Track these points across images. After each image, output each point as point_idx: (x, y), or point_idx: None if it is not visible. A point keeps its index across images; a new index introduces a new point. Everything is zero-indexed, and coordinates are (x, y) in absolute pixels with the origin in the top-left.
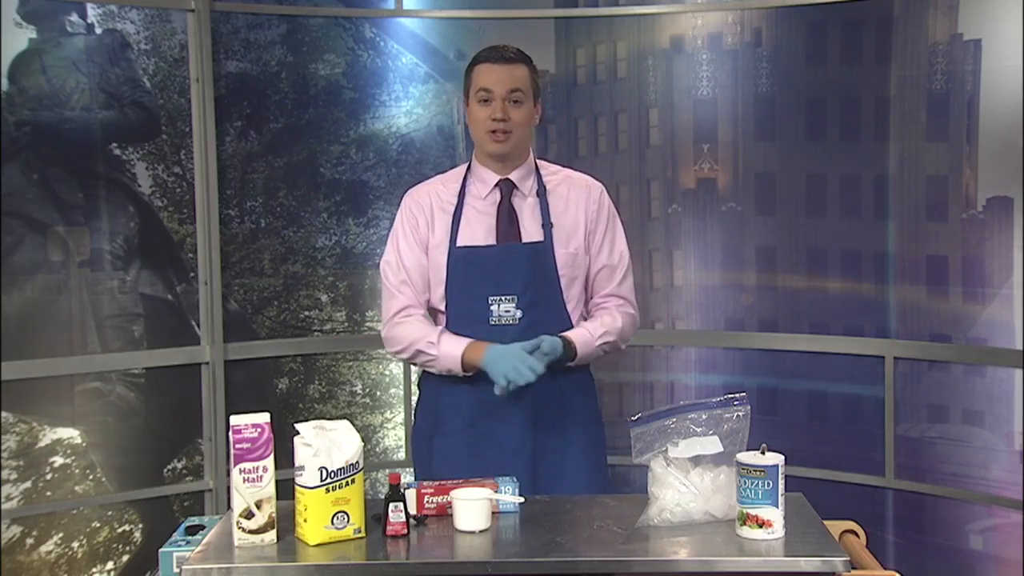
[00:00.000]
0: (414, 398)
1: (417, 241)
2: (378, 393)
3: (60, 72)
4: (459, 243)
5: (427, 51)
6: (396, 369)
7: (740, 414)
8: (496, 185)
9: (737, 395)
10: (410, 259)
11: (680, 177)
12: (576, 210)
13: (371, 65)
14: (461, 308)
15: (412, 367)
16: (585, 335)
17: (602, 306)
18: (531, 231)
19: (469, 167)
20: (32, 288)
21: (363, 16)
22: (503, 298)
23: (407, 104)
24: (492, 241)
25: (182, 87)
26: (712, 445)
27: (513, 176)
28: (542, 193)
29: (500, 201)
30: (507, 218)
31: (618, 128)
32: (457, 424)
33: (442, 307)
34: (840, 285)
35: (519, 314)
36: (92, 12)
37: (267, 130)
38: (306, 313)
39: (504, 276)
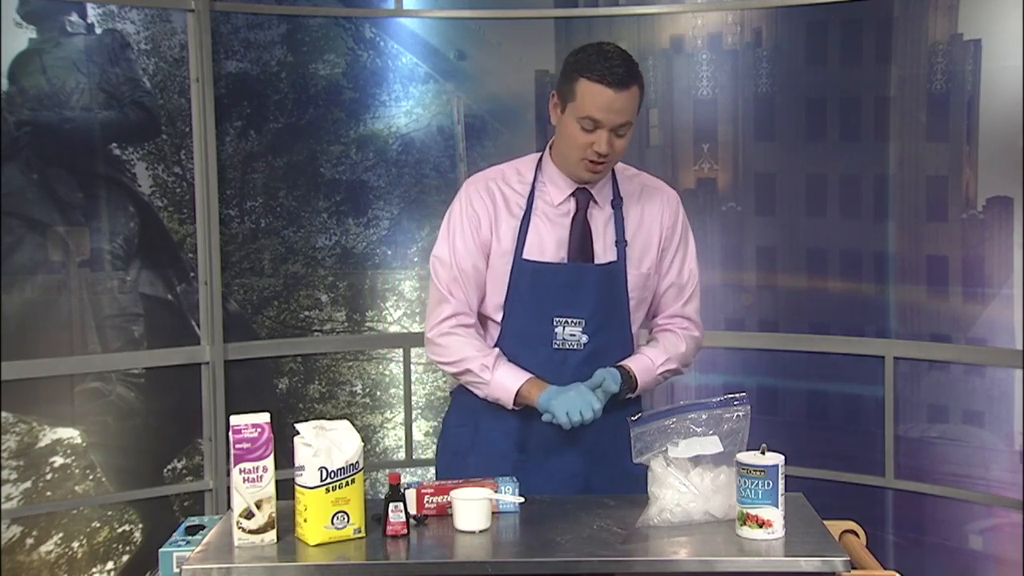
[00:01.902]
0: (415, 398)
1: (477, 243)
2: (378, 393)
3: (60, 72)
4: (526, 255)
5: (427, 51)
6: (396, 369)
7: (740, 414)
8: (572, 194)
9: (737, 395)
10: (466, 260)
11: (680, 177)
12: (651, 225)
13: (371, 65)
14: (522, 326)
15: (411, 368)
16: (647, 364)
17: (666, 328)
18: (604, 249)
19: (540, 162)
20: (32, 288)
21: (363, 16)
22: (570, 321)
23: (407, 104)
24: (563, 257)
25: (182, 87)
26: (712, 445)
27: (591, 187)
28: (618, 205)
29: (575, 213)
30: (580, 233)
31: None
32: (503, 447)
33: (497, 318)
34: (840, 285)
35: (584, 339)
36: (92, 12)
37: (267, 130)
38: (306, 313)
39: (573, 298)
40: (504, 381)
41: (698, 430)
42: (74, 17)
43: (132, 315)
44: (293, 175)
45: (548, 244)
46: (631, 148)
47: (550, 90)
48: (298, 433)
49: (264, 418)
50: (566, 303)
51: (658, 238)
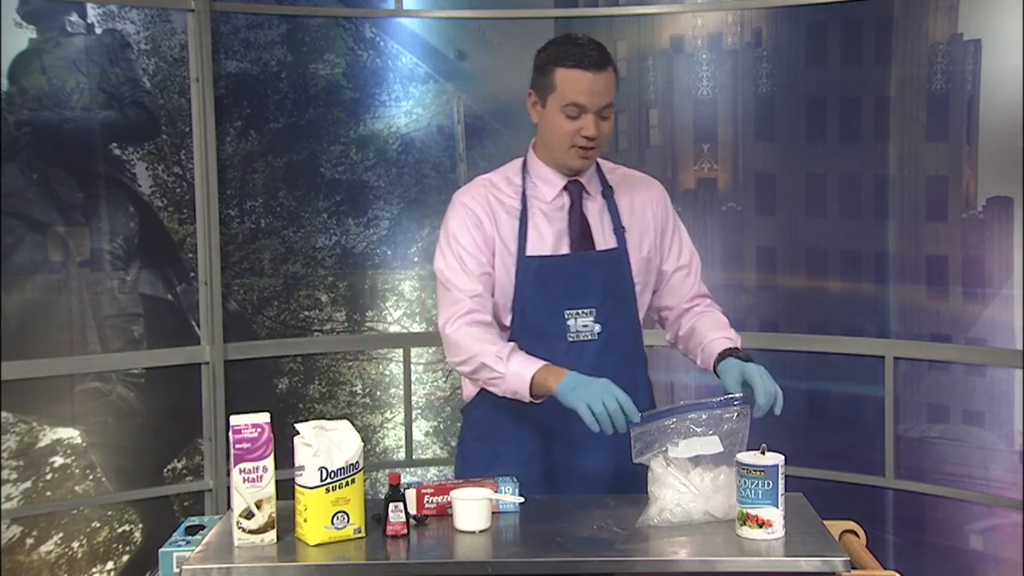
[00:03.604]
0: (415, 398)
1: (481, 241)
2: (378, 393)
3: (60, 72)
4: (529, 252)
5: (427, 51)
6: (396, 369)
7: (740, 414)
8: (564, 188)
9: (737, 395)
10: (472, 261)
11: (680, 177)
12: (643, 210)
13: (371, 65)
14: (533, 324)
15: (411, 368)
16: (731, 333)
17: (697, 311)
18: (604, 237)
19: (525, 163)
20: (32, 288)
21: (363, 16)
22: (580, 311)
23: (407, 104)
24: (565, 250)
25: (182, 87)
26: (712, 445)
27: (581, 178)
28: (608, 194)
29: (570, 205)
30: (579, 224)
31: (618, 128)
32: (527, 450)
33: (507, 322)
34: (840, 285)
35: (598, 328)
36: (92, 12)
37: (267, 130)
38: (306, 313)
39: (581, 288)
40: (519, 370)
41: (698, 430)
42: (74, 17)
43: (132, 315)
44: (293, 175)
45: (549, 239)
46: (633, 148)
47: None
48: (298, 433)
49: (264, 418)
50: (575, 294)
51: (652, 221)
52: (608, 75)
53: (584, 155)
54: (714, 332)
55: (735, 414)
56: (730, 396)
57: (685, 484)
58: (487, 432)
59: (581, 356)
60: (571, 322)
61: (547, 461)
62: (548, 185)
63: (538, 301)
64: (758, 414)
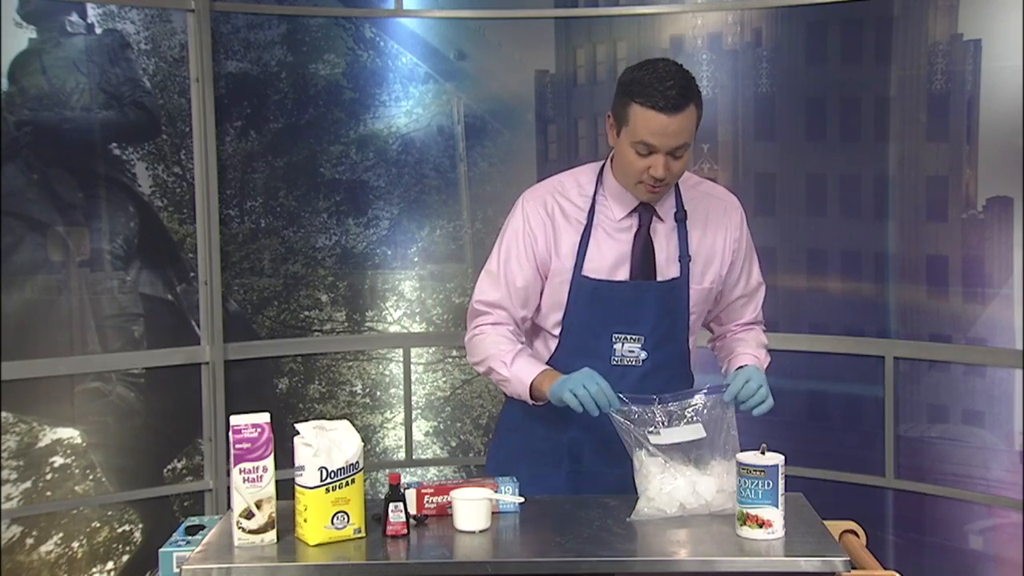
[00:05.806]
0: (415, 398)
1: (533, 262)
2: (378, 393)
3: (60, 72)
4: (585, 272)
5: (427, 51)
6: (396, 369)
7: (718, 402)
8: (635, 210)
9: (707, 386)
10: (518, 277)
11: None
12: (714, 238)
13: (371, 65)
14: (579, 342)
15: (411, 368)
16: (762, 357)
17: (744, 333)
18: (667, 263)
19: (601, 173)
20: (32, 288)
21: (363, 16)
22: (629, 337)
23: (407, 104)
24: (624, 275)
25: (182, 87)
26: (695, 432)
27: (654, 202)
28: (681, 218)
29: (637, 230)
30: (643, 250)
31: None
32: (556, 457)
33: (555, 332)
34: (840, 285)
35: (643, 355)
36: (92, 12)
37: (267, 130)
38: (306, 313)
39: (634, 315)
40: (520, 374)
41: (687, 413)
42: (74, 17)
43: (132, 315)
44: (293, 175)
45: (608, 260)
46: None
47: (550, 90)
48: (298, 433)
49: (264, 418)
50: (626, 320)
51: (721, 250)
52: (685, 116)
53: (652, 190)
54: (745, 349)
55: (712, 402)
56: (702, 388)
57: (668, 471)
58: (518, 428)
59: (623, 379)
60: (617, 346)
61: (572, 461)
62: (619, 204)
63: (588, 321)
64: (728, 401)
